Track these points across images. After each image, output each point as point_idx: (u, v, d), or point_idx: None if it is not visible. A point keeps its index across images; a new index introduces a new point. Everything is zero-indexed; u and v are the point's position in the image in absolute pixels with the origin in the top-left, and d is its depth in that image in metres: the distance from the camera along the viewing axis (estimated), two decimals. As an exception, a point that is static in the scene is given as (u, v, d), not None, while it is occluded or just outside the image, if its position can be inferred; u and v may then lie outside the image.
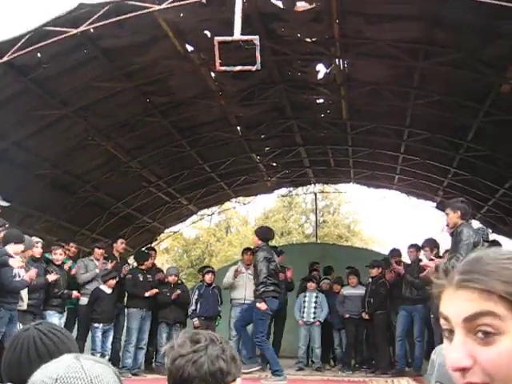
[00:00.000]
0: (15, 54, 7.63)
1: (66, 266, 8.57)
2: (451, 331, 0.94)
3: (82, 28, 7.49)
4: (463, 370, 0.90)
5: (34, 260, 7.68)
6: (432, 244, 8.65)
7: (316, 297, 10.34)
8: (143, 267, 9.57)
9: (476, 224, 13.82)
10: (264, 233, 8.62)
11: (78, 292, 8.65)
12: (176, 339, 1.69)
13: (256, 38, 6.72)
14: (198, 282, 10.77)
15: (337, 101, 11.08)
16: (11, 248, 6.63)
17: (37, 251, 7.84)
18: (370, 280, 9.97)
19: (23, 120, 9.24)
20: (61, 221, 12.21)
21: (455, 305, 0.93)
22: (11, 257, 6.48)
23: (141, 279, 9.37)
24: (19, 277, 6.77)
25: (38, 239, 8.12)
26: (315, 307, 10.26)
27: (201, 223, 28.27)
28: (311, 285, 10.46)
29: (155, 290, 9.32)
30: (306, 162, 14.66)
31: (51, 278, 7.77)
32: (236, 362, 1.67)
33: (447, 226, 6.70)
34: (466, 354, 0.90)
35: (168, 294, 9.57)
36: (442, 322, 0.96)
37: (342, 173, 15.36)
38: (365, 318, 9.83)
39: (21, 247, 6.80)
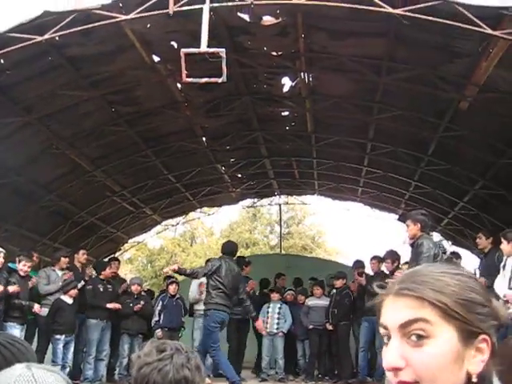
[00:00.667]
0: (-23, 61, 7.53)
1: (30, 283, 8.39)
2: (389, 337, 1.04)
3: (46, 36, 7.41)
4: (396, 370, 1.00)
5: None
6: (393, 256, 8.83)
7: (279, 307, 10.39)
8: (102, 277, 9.43)
9: (436, 236, 14.17)
10: (223, 247, 8.73)
11: (39, 303, 8.49)
12: (141, 349, 1.72)
13: (222, 51, 6.78)
14: (161, 293, 10.71)
15: (302, 113, 11.24)
16: None
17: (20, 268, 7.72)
18: (335, 291, 10.09)
19: (-15, 127, 9.08)
20: (22, 230, 11.99)
21: (393, 313, 1.03)
22: None
23: (101, 290, 9.23)
24: None
25: (0, 249, 7.96)
26: (278, 318, 10.31)
27: (165, 233, 28.11)
28: (275, 295, 10.52)
29: (118, 305, 9.19)
30: (271, 174, 14.78)
31: (12, 288, 7.62)
32: (200, 371, 1.70)
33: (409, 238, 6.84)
34: (400, 355, 0.99)
35: (131, 305, 9.49)
36: (381, 331, 1.05)
37: (306, 184, 15.53)
38: (328, 329, 9.93)
39: None
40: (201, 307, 9.75)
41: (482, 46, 7.25)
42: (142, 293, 10.23)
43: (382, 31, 7.95)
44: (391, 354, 1.00)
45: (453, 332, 0.99)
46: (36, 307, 8.25)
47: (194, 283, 10.15)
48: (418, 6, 6.47)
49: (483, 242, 8.67)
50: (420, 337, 0.99)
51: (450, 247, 13.22)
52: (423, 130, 10.53)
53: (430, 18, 6.51)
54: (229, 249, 8.54)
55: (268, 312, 10.35)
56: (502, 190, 10.97)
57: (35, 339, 8.64)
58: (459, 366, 0.99)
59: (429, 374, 0.97)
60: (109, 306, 9.02)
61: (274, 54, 9.12)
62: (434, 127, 10.20)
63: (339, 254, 32.71)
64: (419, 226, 6.72)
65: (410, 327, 1.00)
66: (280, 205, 18.82)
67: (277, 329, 10.24)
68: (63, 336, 8.38)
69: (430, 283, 1.01)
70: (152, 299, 10.56)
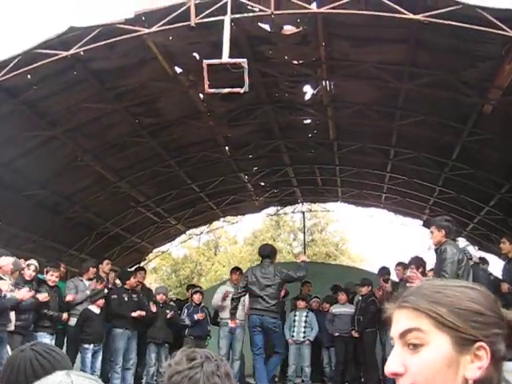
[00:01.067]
0: (5, 77, 7.70)
1: (68, 298, 8.58)
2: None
3: (72, 51, 7.58)
4: (396, 375, 1.09)
5: (25, 282, 7.68)
6: (418, 262, 8.73)
7: (306, 316, 10.37)
8: (127, 286, 9.51)
9: (462, 242, 14.01)
10: (259, 250, 8.98)
11: (68, 312, 8.60)
12: (171, 358, 1.75)
13: (244, 61, 6.85)
14: (185, 302, 10.78)
15: (324, 121, 11.24)
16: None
17: (28, 273, 7.83)
18: (360, 298, 10.04)
19: (12, 141, 9.25)
20: (48, 241, 12.18)
21: (395, 324, 1.14)
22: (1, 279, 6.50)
23: (125, 299, 9.29)
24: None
25: (32, 261, 8.11)
26: (305, 326, 10.28)
27: (189, 243, 28.27)
28: (301, 303, 10.49)
29: (142, 313, 9.26)
30: (294, 182, 14.79)
31: (41, 296, 7.74)
32: (230, 379, 1.72)
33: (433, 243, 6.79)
34: (400, 362, 1.09)
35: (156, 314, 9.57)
36: (391, 341, 1.15)
37: (329, 192, 15.50)
38: (354, 336, 9.88)
39: (10, 259, 6.84)
40: (225, 315, 9.78)
41: (505, 49, 7.19)
42: (171, 302, 10.32)
43: (403, 37, 7.94)
44: (392, 361, 1.10)
45: (446, 339, 1.07)
46: (64, 316, 8.37)
47: (219, 291, 10.18)
48: (439, 11, 6.45)
49: (507, 246, 8.55)
50: (415, 345, 1.08)
51: (476, 252, 13.04)
52: (446, 134, 10.45)
53: (451, 22, 6.49)
54: (264, 251, 8.70)
55: (295, 320, 10.33)
56: (528, 194, 10.83)
57: (64, 349, 8.76)
58: (454, 371, 1.06)
59: (424, 378, 1.06)
60: (134, 314, 9.09)
61: (295, 62, 9.15)
62: (458, 132, 10.12)
63: (363, 261, 32.51)
64: (443, 232, 6.66)
65: (408, 336, 1.10)
66: (303, 212, 18.80)
67: (303, 337, 10.22)
68: (92, 345, 8.47)
69: (427, 295, 1.12)
70: (181, 308, 10.61)
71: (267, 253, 8.60)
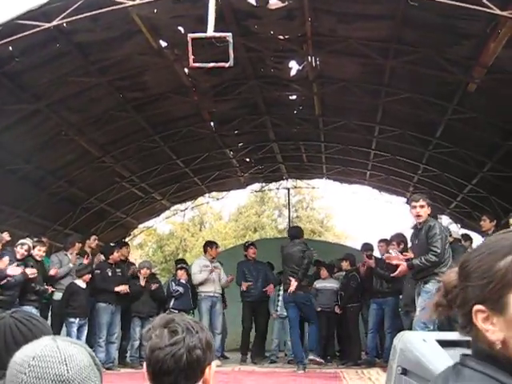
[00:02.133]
0: (-14, 48, 7.57)
1: (51, 272, 8.59)
2: None
3: (54, 22, 7.45)
4: None
5: (16, 260, 7.76)
6: (399, 238, 8.85)
7: None
8: (111, 261, 9.56)
9: (445, 219, 14.19)
10: (288, 232, 10.20)
11: (52, 286, 8.63)
12: (153, 322, 1.77)
13: (229, 35, 6.81)
14: (171, 277, 10.85)
15: (309, 97, 11.23)
16: None
17: (20, 252, 7.91)
18: (343, 273, 10.16)
19: (-6, 114, 9.16)
20: (32, 216, 12.12)
21: None
22: None
23: (109, 274, 9.36)
24: None
25: (26, 241, 8.13)
26: None
27: (174, 218, 28.28)
28: None
29: (125, 287, 9.30)
30: (279, 158, 14.80)
31: (30, 271, 7.78)
32: (210, 348, 1.74)
33: (417, 216, 6.68)
34: None
35: (141, 287, 9.63)
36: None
37: (314, 168, 15.55)
38: (336, 312, 10.02)
39: None
40: (206, 289, 9.91)
41: (490, 27, 7.21)
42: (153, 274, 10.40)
43: (390, 13, 7.92)
44: None
45: None
46: (50, 289, 8.41)
47: (196, 264, 10.29)
48: (425, -13, 6.44)
49: (487, 224, 8.70)
50: None
51: (458, 230, 13.21)
52: (431, 112, 10.50)
53: (438, -1, 6.48)
54: (293, 232, 9.55)
55: (279, 295, 10.43)
56: (510, 172, 10.95)
57: (48, 322, 8.80)
58: None
59: None
60: (117, 289, 9.14)
61: (281, 37, 9.10)
62: (442, 110, 10.18)
63: (348, 237, 32.81)
64: (430, 209, 6.72)
65: None
66: (288, 189, 18.84)
67: (287, 312, 10.33)
68: (77, 319, 8.55)
69: None
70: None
71: (295, 233, 9.37)
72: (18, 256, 7.88)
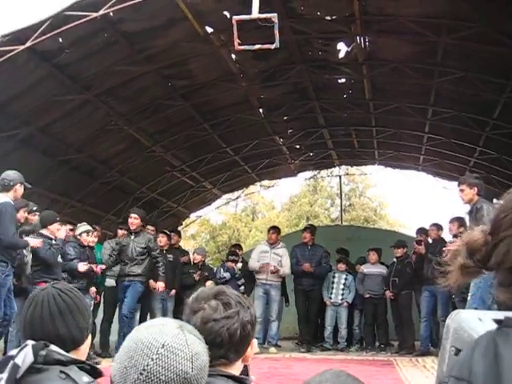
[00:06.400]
0: (36, 40, 7.72)
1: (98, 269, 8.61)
2: None
3: (101, 11, 7.54)
4: None
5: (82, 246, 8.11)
6: (459, 221, 8.51)
7: (345, 278, 10.29)
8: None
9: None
10: None
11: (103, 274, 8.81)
12: (200, 292, 1.73)
13: (274, 16, 6.68)
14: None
15: (359, 80, 10.96)
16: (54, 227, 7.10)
17: (90, 240, 8.26)
18: (395, 260, 9.91)
19: (47, 105, 9.35)
20: (86, 206, 12.37)
21: None
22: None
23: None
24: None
25: (84, 227, 8.31)
26: (343, 288, 10.22)
27: (227, 209, 28.44)
28: (342, 266, 10.39)
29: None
30: (330, 144, 14.56)
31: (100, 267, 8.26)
32: (255, 325, 1.75)
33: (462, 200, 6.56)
34: None
35: (194, 275, 9.67)
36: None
37: (366, 154, 15.23)
38: (388, 298, 9.79)
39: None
40: (261, 276, 9.81)
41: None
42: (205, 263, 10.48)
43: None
44: None
45: None
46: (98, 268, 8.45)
47: (256, 251, 10.18)
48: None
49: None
50: None
51: None
52: (487, 91, 10.04)
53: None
54: None
55: (333, 282, 10.27)
56: None
57: (101, 308, 8.98)
58: None
59: None
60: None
61: (328, 18, 8.89)
62: (500, 88, 9.73)
63: (402, 226, 32.12)
64: (476, 189, 6.43)
65: None
66: (340, 176, 18.60)
67: (341, 299, 10.18)
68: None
69: None
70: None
71: None
72: (84, 244, 8.17)
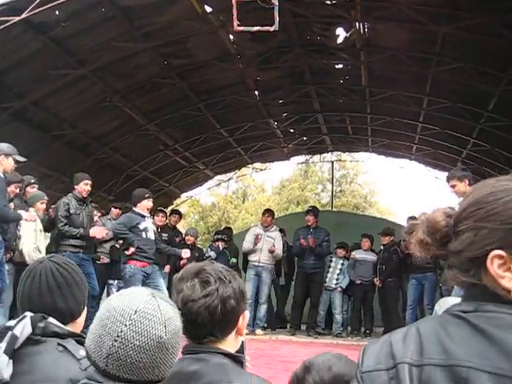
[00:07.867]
0: (34, 11, 7.61)
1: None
2: None
3: (99, -15, 7.45)
4: None
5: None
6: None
7: (342, 263, 10.28)
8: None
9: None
10: None
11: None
12: (183, 271, 1.70)
13: (275, -3, 6.64)
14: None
15: (356, 66, 10.93)
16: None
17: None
18: (382, 247, 9.96)
19: (42, 79, 9.25)
20: (77, 182, 12.27)
21: None
22: None
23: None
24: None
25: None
26: (339, 273, 10.22)
27: (218, 190, 28.42)
28: (341, 252, 10.36)
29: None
30: (324, 129, 14.56)
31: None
32: (244, 297, 1.70)
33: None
34: None
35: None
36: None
37: (359, 141, 15.25)
38: (376, 284, 9.86)
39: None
40: (254, 258, 9.81)
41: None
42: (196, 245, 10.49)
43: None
44: None
45: None
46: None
47: (250, 233, 10.13)
48: None
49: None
50: None
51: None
52: (484, 83, 10.03)
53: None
54: None
55: (330, 266, 10.26)
56: None
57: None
58: None
59: None
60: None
61: (328, 2, 8.84)
62: (496, 80, 9.72)
63: (392, 214, 32.27)
64: (466, 182, 6.41)
65: None
66: (332, 162, 18.61)
67: (336, 284, 10.19)
68: (116, 281, 8.70)
69: None
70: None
71: None
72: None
